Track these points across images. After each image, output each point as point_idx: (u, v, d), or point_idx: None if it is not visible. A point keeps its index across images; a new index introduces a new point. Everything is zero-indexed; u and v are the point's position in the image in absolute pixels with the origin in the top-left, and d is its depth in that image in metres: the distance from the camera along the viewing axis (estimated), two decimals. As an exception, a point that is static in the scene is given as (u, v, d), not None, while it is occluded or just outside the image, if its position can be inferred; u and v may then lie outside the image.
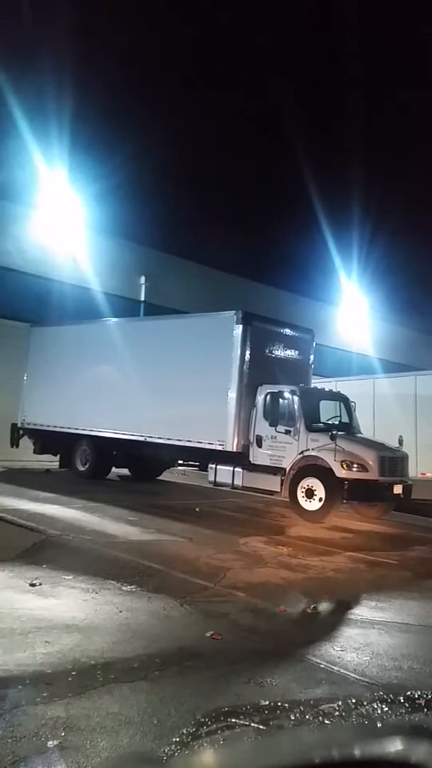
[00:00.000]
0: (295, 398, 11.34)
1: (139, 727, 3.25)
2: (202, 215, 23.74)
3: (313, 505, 10.64)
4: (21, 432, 15.90)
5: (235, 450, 11.70)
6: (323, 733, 2.07)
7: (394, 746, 1.53)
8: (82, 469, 14.74)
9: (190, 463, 14.19)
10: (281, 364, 12.41)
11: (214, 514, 11.07)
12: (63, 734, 3.11)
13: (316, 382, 13.97)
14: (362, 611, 5.91)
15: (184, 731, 2.00)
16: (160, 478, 15.60)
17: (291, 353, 12.89)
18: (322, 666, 4.38)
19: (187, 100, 27.07)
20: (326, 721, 2.17)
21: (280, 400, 11.40)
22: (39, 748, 2.98)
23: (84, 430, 14.40)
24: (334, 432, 10.62)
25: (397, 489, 10.87)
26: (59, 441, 15.24)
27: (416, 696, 2.73)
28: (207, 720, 2.19)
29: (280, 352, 12.64)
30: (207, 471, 12.46)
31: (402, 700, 2.70)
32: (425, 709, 2.54)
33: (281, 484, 11.10)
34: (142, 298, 20.02)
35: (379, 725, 2.21)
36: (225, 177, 27.84)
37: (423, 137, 32.89)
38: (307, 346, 13.33)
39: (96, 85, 21.89)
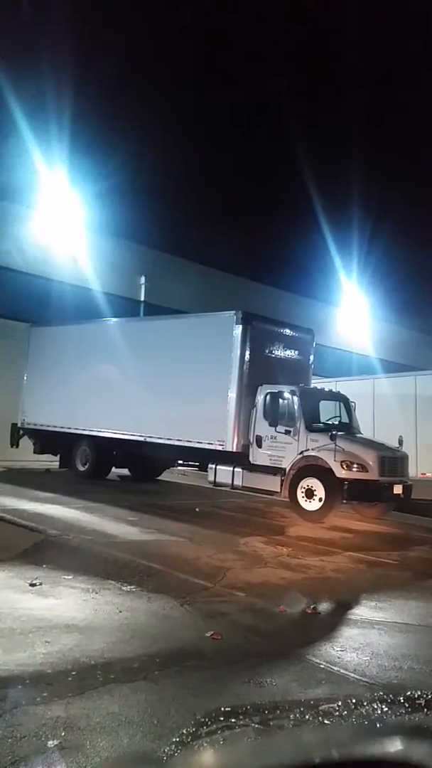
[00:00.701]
0: (295, 398, 11.34)
1: (139, 727, 3.24)
2: (202, 215, 23.77)
3: (313, 505, 10.64)
4: (21, 432, 15.93)
5: (234, 450, 11.70)
6: (323, 733, 2.07)
7: (394, 746, 1.53)
8: (82, 469, 14.75)
9: (189, 463, 14.17)
10: (281, 364, 12.41)
11: (214, 514, 11.07)
12: (63, 734, 3.11)
13: (316, 382, 13.98)
14: (362, 611, 5.91)
15: (184, 731, 2.00)
16: (160, 478, 15.61)
17: (291, 353, 12.88)
18: (322, 666, 4.38)
19: (187, 100, 27.10)
20: (326, 721, 2.17)
21: (280, 400, 11.40)
22: (39, 748, 2.98)
23: (84, 430, 14.41)
24: (334, 432, 10.64)
25: (397, 489, 10.88)
26: (59, 441, 15.25)
27: (416, 696, 2.73)
28: (207, 720, 2.18)
29: (280, 352, 12.64)
30: (207, 471, 12.45)
31: (402, 700, 2.70)
32: (425, 709, 2.54)
33: (281, 484, 11.10)
34: (142, 298, 20.02)
35: (379, 725, 2.21)
36: (225, 177, 27.87)
37: (423, 137, 32.93)
38: (307, 346, 13.33)
39: (96, 86, 21.92)
